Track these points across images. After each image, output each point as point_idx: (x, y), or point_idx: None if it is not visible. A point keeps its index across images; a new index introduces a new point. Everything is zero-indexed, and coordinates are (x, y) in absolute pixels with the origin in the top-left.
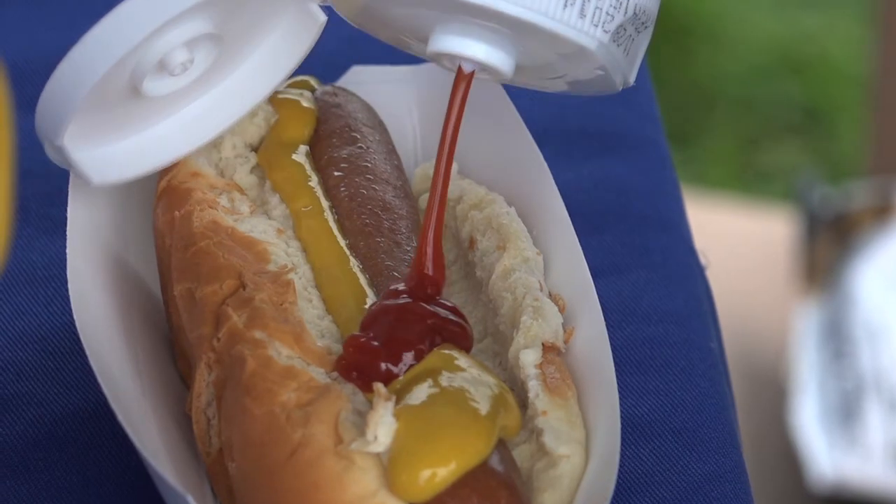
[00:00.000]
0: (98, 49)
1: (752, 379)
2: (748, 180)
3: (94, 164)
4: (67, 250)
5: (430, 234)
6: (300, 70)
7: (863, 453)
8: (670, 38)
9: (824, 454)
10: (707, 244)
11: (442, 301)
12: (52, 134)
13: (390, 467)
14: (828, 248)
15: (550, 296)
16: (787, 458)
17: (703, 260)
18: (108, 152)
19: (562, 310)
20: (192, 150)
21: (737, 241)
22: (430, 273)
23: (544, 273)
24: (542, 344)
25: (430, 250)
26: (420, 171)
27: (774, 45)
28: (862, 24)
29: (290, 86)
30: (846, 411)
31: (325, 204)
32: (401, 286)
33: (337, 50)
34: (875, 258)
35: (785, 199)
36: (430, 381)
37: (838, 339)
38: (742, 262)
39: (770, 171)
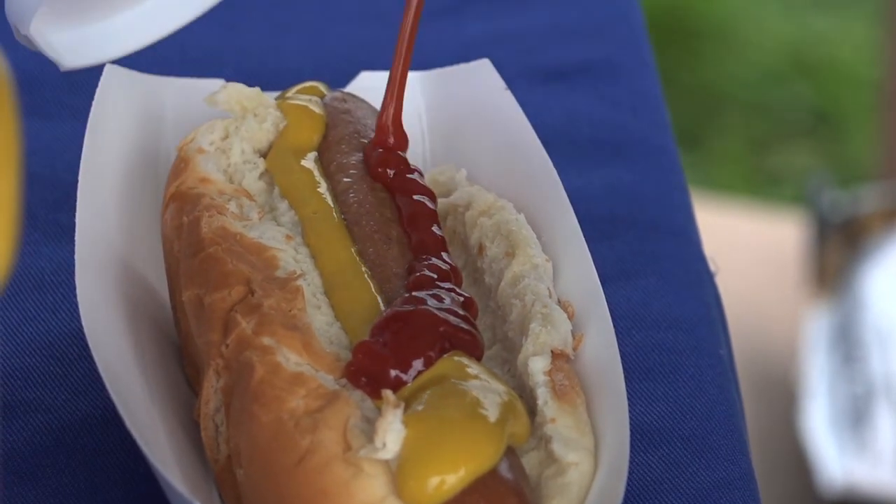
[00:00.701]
0: None
1: (762, 383)
2: (758, 183)
3: (64, 49)
4: (75, 256)
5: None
6: (309, 77)
7: (873, 458)
8: (680, 40)
9: (834, 459)
10: (716, 247)
11: (457, 291)
12: (19, 20)
13: (399, 474)
14: (838, 252)
15: (559, 303)
16: (797, 462)
17: (712, 266)
18: (78, 37)
19: (571, 317)
20: (161, 37)
21: (746, 245)
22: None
23: (553, 280)
24: (551, 351)
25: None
26: (429, 176)
27: (785, 47)
28: (873, 27)
29: (299, 91)
30: (856, 416)
31: (334, 210)
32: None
33: (345, 56)
34: (885, 262)
35: (795, 203)
36: (439, 388)
37: (848, 344)
38: (751, 266)
39: (780, 175)
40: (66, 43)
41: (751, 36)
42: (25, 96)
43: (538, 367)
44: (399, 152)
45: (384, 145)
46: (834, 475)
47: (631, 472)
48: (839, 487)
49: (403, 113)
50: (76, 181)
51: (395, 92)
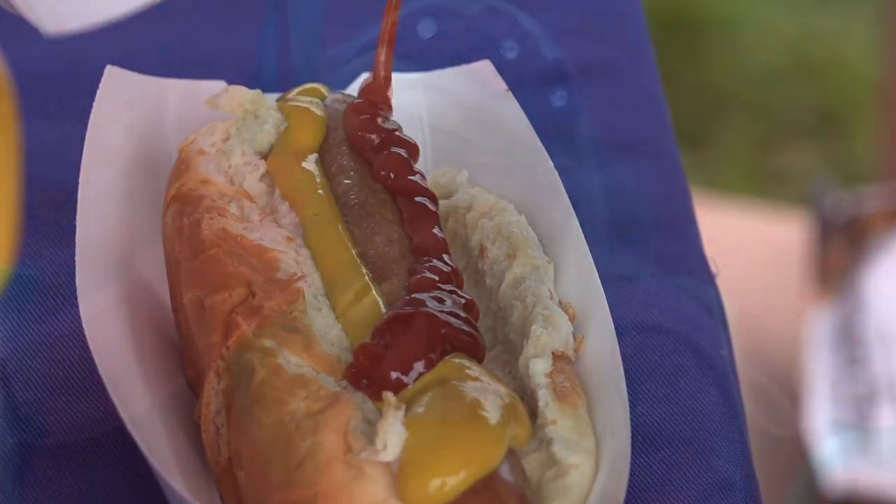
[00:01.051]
0: None
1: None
2: (760, 183)
3: (46, 14)
4: (76, 258)
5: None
6: (310, 79)
7: (876, 459)
8: (684, 39)
9: (837, 459)
10: (718, 248)
11: (458, 293)
12: None
13: (400, 476)
14: (841, 252)
15: (560, 304)
16: (800, 463)
17: (713, 267)
18: (62, 2)
19: (572, 318)
20: (147, 4)
21: (748, 245)
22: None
23: (554, 281)
24: (552, 353)
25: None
26: (431, 178)
27: (788, 47)
28: (876, 27)
29: (300, 93)
30: (859, 416)
31: (334, 212)
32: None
33: (346, 57)
34: (888, 262)
35: (798, 203)
36: (440, 390)
37: (851, 344)
38: (754, 266)
39: (783, 175)
40: (49, 8)
41: (753, 35)
42: (26, 97)
43: (539, 368)
44: (403, 153)
45: (377, 85)
46: (836, 475)
47: (632, 474)
48: (842, 488)
49: (404, 114)
50: (77, 182)
51: (385, 37)
